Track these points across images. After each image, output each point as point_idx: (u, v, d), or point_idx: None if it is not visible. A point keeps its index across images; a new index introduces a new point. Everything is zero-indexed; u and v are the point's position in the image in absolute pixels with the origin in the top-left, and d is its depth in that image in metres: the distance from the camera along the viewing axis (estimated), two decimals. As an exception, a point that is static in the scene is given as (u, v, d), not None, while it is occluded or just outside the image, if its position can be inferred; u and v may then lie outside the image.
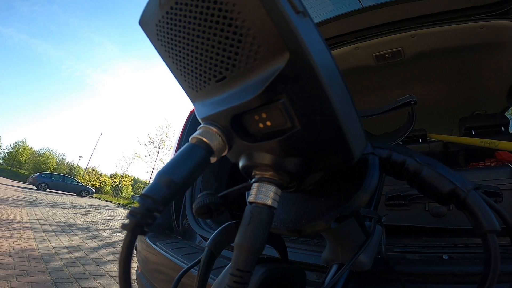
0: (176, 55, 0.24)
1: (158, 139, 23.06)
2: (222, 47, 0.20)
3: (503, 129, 1.76)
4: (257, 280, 0.28)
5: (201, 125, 0.23)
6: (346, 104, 0.20)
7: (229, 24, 0.19)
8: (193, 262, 0.36)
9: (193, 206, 0.27)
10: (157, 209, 0.18)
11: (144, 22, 0.25)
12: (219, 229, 0.33)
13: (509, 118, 1.89)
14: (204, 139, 0.21)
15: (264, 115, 0.20)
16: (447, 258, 0.59)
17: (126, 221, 0.17)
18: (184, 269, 0.36)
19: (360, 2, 1.57)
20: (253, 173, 0.23)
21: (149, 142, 23.11)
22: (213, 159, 0.21)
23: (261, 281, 0.28)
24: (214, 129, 0.22)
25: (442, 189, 0.26)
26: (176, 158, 0.20)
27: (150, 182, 0.19)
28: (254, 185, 0.23)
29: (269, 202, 0.22)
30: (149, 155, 23.02)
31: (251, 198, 0.22)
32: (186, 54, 0.22)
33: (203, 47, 0.21)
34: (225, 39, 0.19)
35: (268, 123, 0.20)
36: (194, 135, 0.22)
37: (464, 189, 0.26)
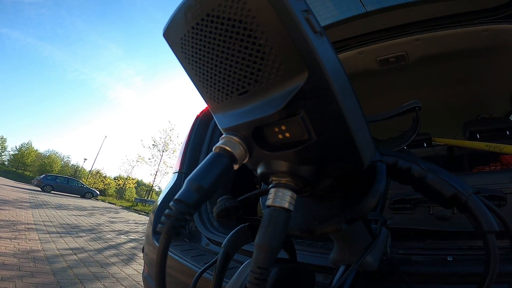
0: (200, 68, 0.25)
1: (162, 142, 23.21)
2: (246, 63, 0.21)
3: (508, 133, 1.76)
4: (270, 278, 0.30)
5: (224, 135, 0.24)
6: (358, 116, 0.22)
7: (253, 42, 0.20)
8: (208, 264, 0.37)
9: (214, 210, 0.29)
10: (189, 212, 0.20)
11: (168, 35, 0.26)
12: (234, 231, 0.34)
13: (514, 122, 1.88)
14: (228, 148, 0.23)
15: (283, 128, 0.22)
16: (451, 259, 0.60)
17: (160, 225, 0.19)
18: (200, 270, 0.37)
19: (364, 6, 1.59)
20: (270, 179, 0.25)
21: (153, 145, 23.28)
22: (235, 166, 0.23)
23: (275, 279, 0.30)
24: (236, 138, 0.23)
25: (445, 194, 0.28)
26: (203, 165, 0.22)
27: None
28: (272, 190, 0.24)
29: (286, 205, 0.23)
30: (153, 158, 23.16)
31: (269, 202, 0.24)
32: (210, 68, 0.24)
33: (227, 62, 0.22)
34: (249, 56, 0.21)
35: (287, 134, 0.22)
36: (217, 144, 0.23)
37: (465, 193, 0.27)
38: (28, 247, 3.41)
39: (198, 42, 0.23)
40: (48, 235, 4.42)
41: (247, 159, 0.24)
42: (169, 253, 0.91)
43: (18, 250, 3.20)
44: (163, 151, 22.86)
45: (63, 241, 4.21)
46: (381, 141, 1.23)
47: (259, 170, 0.26)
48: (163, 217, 0.20)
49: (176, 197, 0.20)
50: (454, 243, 0.85)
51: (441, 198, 0.29)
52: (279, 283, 0.30)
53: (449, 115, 2.49)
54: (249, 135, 0.23)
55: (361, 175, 0.28)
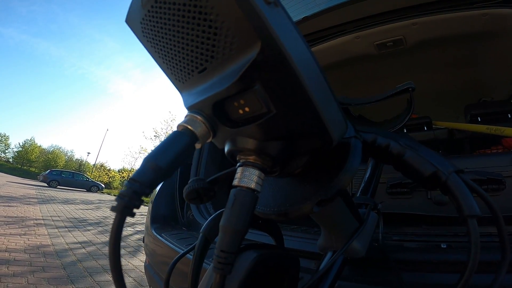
0: (161, 50, 0.25)
1: (164, 133, 23.23)
2: (200, 40, 0.21)
3: (509, 116, 1.73)
4: (249, 263, 0.29)
5: (187, 114, 0.24)
6: (322, 88, 0.21)
7: (204, 18, 0.20)
8: (188, 248, 0.37)
9: (183, 192, 0.29)
10: (144, 192, 0.19)
11: (130, 21, 0.26)
12: (212, 215, 0.34)
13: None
14: (189, 126, 0.22)
15: (242, 102, 0.21)
16: (445, 246, 0.59)
17: (115, 204, 0.19)
18: (179, 254, 0.38)
19: (359, -10, 1.54)
20: (237, 158, 0.25)
21: (154, 136, 23.35)
22: (198, 145, 0.23)
23: (253, 265, 0.29)
24: (199, 117, 0.23)
25: (423, 172, 0.27)
26: (162, 144, 0.21)
27: (138, 167, 0.21)
28: (239, 169, 0.24)
29: (252, 185, 0.23)
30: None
31: (235, 182, 0.23)
32: (169, 49, 0.24)
33: (184, 41, 0.22)
34: (202, 32, 0.20)
35: (247, 109, 0.21)
36: (180, 123, 0.23)
37: (446, 172, 0.26)
38: (38, 242, 3.49)
39: (155, 24, 0.23)
40: (56, 230, 4.51)
41: (210, 138, 0.24)
42: (166, 241, 0.93)
43: (28, 245, 3.27)
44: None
45: (71, 235, 4.30)
46: (376, 123, 1.21)
47: (226, 149, 0.25)
48: (117, 197, 0.19)
49: (131, 176, 0.20)
50: (450, 229, 0.84)
51: (420, 177, 0.27)
52: (258, 269, 0.30)
53: (450, 99, 2.45)
54: (210, 112, 0.23)
55: (335, 153, 0.27)
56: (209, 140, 0.24)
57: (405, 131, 1.94)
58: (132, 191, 0.19)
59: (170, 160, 0.20)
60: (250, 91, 0.20)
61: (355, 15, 1.67)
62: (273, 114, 0.21)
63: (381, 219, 0.52)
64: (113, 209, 0.19)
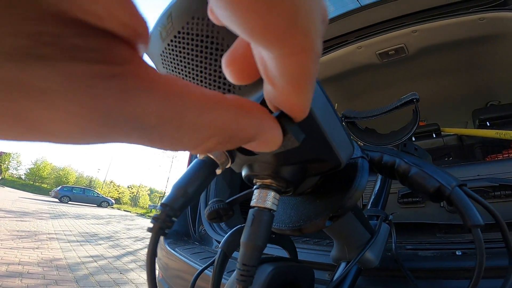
0: None
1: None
2: (217, 75, 0.22)
3: None
4: (266, 276, 0.31)
5: None
6: (330, 118, 0.23)
7: (220, 54, 0.21)
8: (208, 263, 0.39)
9: (205, 212, 0.31)
10: (175, 215, 0.22)
11: (149, 52, 0.28)
12: (230, 231, 0.36)
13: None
14: (210, 155, 0.25)
15: None
16: (460, 254, 0.59)
17: (151, 225, 0.21)
18: (199, 270, 0.39)
19: (358, 0, 1.59)
20: (254, 181, 0.27)
21: (163, 152, 23.70)
22: (218, 171, 0.25)
23: (270, 278, 0.31)
24: None
25: (428, 187, 0.29)
26: (188, 172, 0.24)
27: (168, 192, 0.23)
28: (256, 191, 0.26)
29: (268, 205, 0.25)
30: (164, 165, 23.55)
31: (253, 203, 0.25)
32: (189, 80, 0.25)
33: (202, 74, 0.23)
34: (218, 67, 0.22)
35: None
36: None
37: (449, 187, 0.28)
38: (50, 256, 3.54)
39: (175, 57, 0.25)
40: (69, 244, 4.56)
41: (229, 164, 0.26)
42: (179, 255, 0.94)
43: (42, 259, 3.32)
44: (173, 158, 23.24)
45: (83, 249, 4.34)
46: (384, 135, 1.22)
47: (243, 173, 0.27)
48: (151, 219, 0.22)
49: (163, 201, 0.22)
50: (464, 237, 0.83)
51: (426, 192, 0.29)
52: (274, 281, 0.31)
53: (457, 104, 2.44)
54: None
55: (344, 173, 0.29)
56: (228, 166, 0.26)
57: (414, 139, 1.93)
58: (164, 214, 0.21)
59: (196, 186, 0.23)
60: None
61: (355, 25, 1.70)
62: None
63: (393, 229, 0.53)
64: (149, 230, 0.21)
